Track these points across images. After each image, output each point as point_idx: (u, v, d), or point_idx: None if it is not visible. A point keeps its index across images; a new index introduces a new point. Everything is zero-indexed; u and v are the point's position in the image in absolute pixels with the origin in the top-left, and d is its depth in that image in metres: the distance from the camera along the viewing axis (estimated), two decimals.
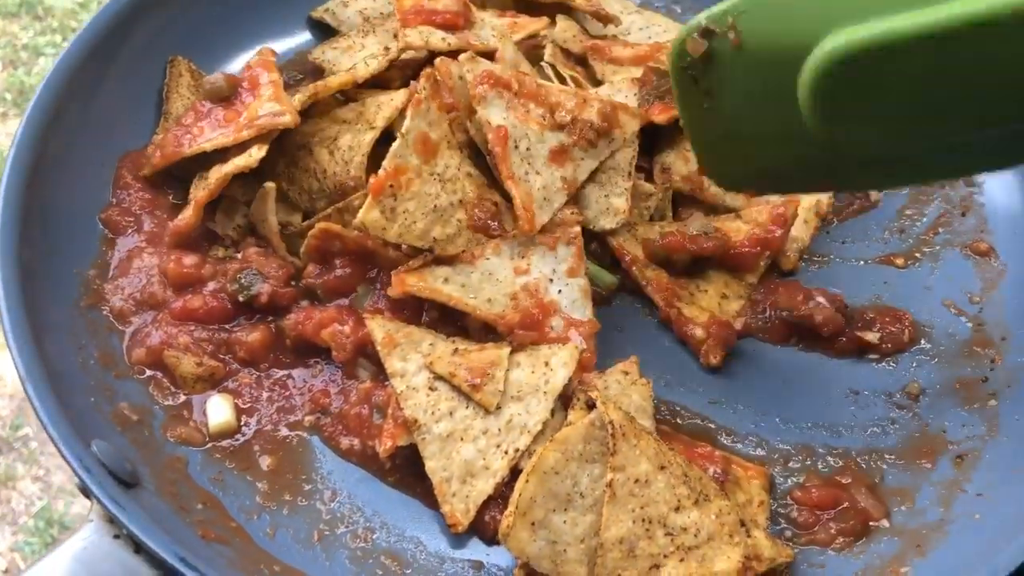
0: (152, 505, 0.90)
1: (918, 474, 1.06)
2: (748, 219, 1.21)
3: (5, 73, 2.99)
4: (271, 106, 1.15)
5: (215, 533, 0.94)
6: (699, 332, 1.14)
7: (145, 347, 1.07)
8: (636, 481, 0.93)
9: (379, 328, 1.06)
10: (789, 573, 0.98)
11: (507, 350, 1.05)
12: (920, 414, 1.11)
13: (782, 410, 1.12)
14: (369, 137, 1.15)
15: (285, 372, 1.10)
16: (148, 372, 1.07)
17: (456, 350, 1.05)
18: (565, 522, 0.94)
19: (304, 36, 1.42)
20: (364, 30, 1.35)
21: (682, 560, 0.92)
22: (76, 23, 3.13)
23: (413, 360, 1.04)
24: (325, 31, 1.41)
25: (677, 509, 0.94)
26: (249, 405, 1.06)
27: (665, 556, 0.92)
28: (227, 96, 1.19)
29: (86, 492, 0.89)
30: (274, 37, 1.38)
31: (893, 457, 1.08)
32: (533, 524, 0.93)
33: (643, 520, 0.93)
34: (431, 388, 1.03)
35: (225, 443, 1.04)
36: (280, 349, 1.11)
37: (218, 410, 1.04)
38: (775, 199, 1.22)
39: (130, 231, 1.16)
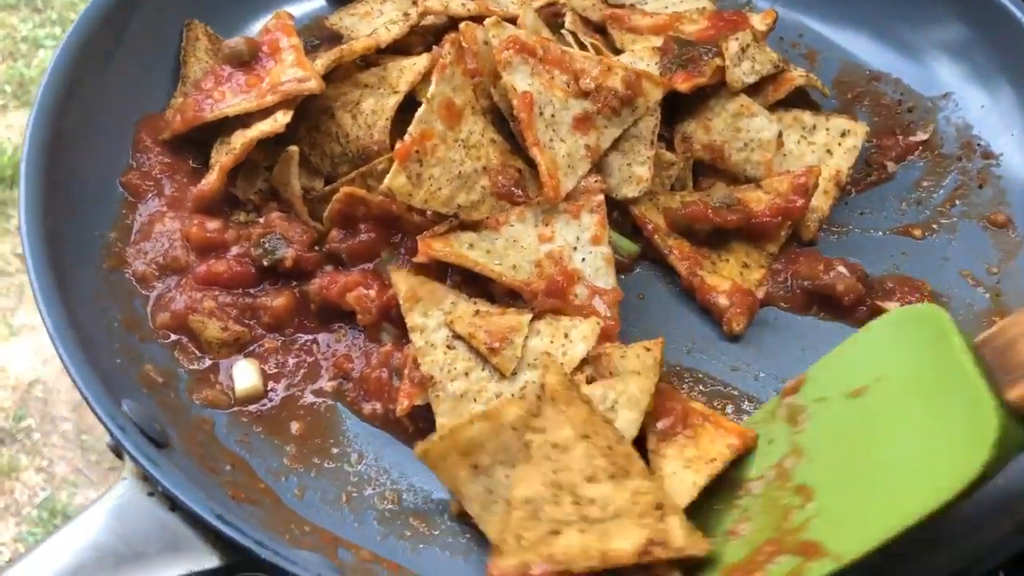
0: (183, 465, 0.90)
1: None
2: (769, 189, 1.22)
3: (4, 65, 2.97)
4: (295, 71, 1.14)
5: (244, 494, 0.94)
6: (723, 300, 1.14)
7: (170, 311, 1.06)
8: (554, 446, 0.92)
9: (403, 281, 1.05)
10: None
11: (528, 317, 1.05)
12: None
13: None
14: (393, 101, 1.14)
15: (310, 337, 1.10)
16: (173, 336, 1.06)
17: (478, 312, 1.05)
18: (507, 476, 0.93)
19: (318, 2, 1.41)
20: None
21: (582, 531, 0.89)
22: (75, 14, 3.10)
23: (434, 317, 1.04)
24: None
25: (590, 480, 0.92)
26: (276, 371, 1.06)
27: (567, 524, 0.90)
28: (247, 61, 1.18)
29: (117, 451, 0.89)
30: (290, 2, 1.38)
31: None
32: (476, 467, 0.92)
33: (553, 485, 0.91)
34: (449, 347, 1.03)
35: (252, 407, 1.03)
36: (304, 314, 1.10)
37: (245, 375, 1.04)
38: (795, 168, 1.23)
39: (150, 195, 1.15)
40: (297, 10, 1.37)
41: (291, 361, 1.07)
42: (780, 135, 1.23)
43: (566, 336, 1.05)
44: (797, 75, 1.28)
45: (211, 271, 1.09)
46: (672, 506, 0.92)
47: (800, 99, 1.31)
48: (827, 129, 1.27)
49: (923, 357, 0.90)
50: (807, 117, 1.27)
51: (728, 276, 1.18)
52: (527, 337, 1.04)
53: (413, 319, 1.04)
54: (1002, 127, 1.32)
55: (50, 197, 1.03)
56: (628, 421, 0.98)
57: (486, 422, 0.93)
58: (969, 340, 0.87)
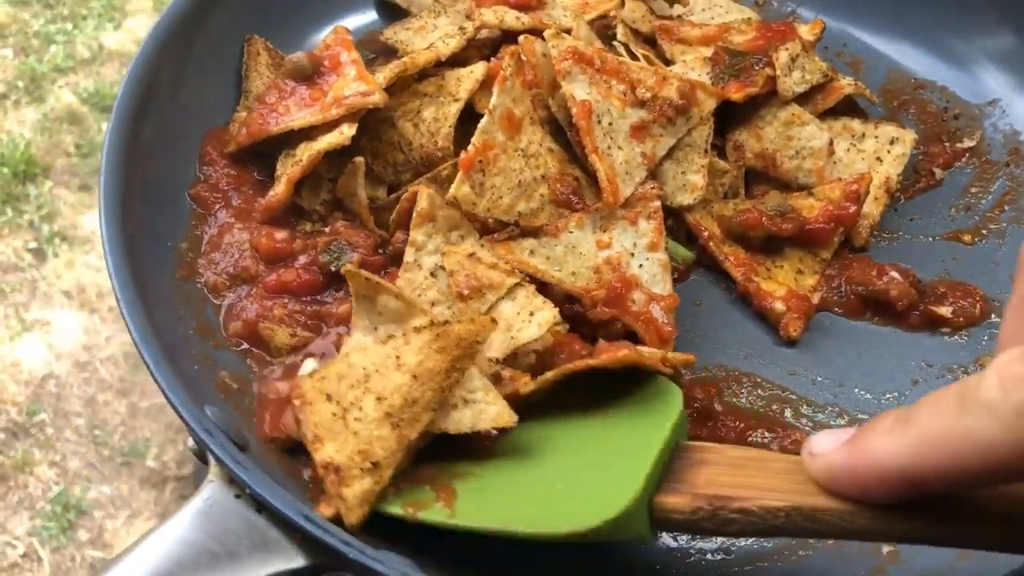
0: (266, 467, 0.92)
1: None
2: (821, 196, 1.23)
3: (16, 61, 3.00)
4: (358, 85, 1.17)
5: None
6: (779, 305, 1.16)
7: (242, 320, 1.09)
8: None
9: (426, 199, 1.06)
10: None
11: (513, 280, 1.05)
12: None
13: (859, 381, 1.14)
14: (455, 108, 1.17)
15: None
16: (244, 344, 1.09)
17: (473, 255, 1.06)
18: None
19: (370, 16, 1.45)
20: (435, 11, 1.37)
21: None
22: (86, 10, 3.14)
23: (434, 241, 1.06)
24: (393, 12, 1.43)
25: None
26: None
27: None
28: (310, 75, 1.21)
29: (201, 456, 0.91)
30: (341, 17, 1.41)
31: None
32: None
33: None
34: (432, 274, 1.05)
35: None
36: None
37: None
38: (846, 176, 1.25)
39: (218, 206, 1.18)
40: (351, 24, 1.41)
41: None
42: (831, 143, 1.25)
43: (530, 315, 1.05)
44: (846, 84, 1.30)
45: (280, 280, 1.11)
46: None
47: (848, 108, 1.33)
48: (876, 137, 1.29)
49: (640, 403, 0.95)
50: (856, 125, 1.30)
51: (783, 282, 1.19)
52: (501, 298, 1.04)
53: (416, 235, 1.05)
54: None
55: (127, 208, 1.06)
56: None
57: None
58: (680, 435, 0.91)
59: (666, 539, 1.02)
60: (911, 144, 1.29)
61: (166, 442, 2.37)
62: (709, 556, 1.01)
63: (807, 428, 1.10)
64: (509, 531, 0.85)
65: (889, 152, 1.28)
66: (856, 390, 1.14)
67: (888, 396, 1.13)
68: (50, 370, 2.45)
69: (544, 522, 0.85)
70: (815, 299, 1.19)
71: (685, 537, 1.02)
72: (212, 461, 0.88)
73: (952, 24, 1.42)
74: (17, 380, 2.43)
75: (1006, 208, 1.30)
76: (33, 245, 2.67)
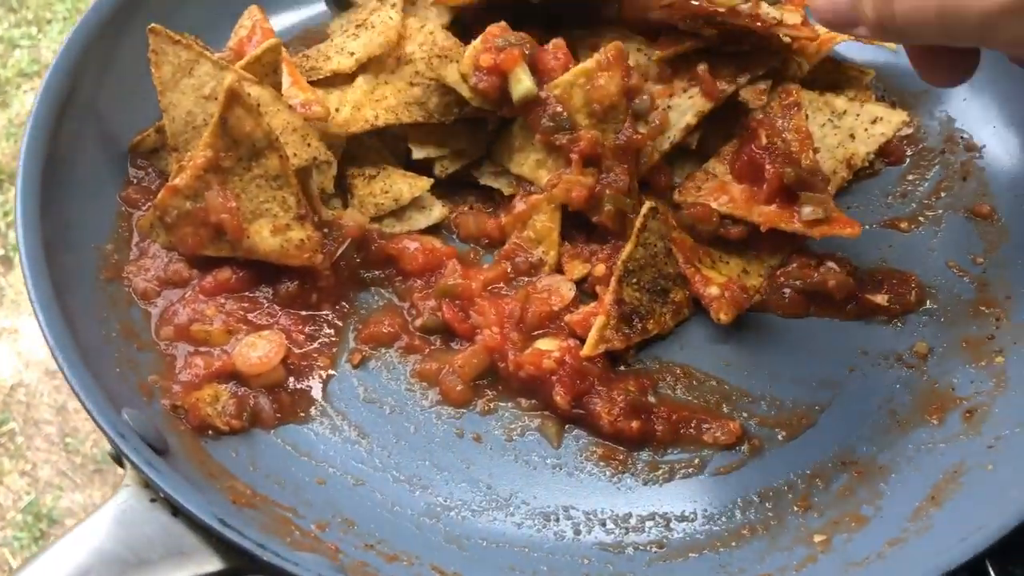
0: (183, 470, 0.91)
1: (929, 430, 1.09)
2: None
3: None
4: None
5: (244, 499, 0.95)
6: (714, 290, 1.15)
7: (173, 325, 1.07)
8: None
9: None
10: None
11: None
12: (929, 372, 1.14)
13: (794, 372, 1.14)
14: None
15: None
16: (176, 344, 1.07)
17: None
18: None
19: (309, 11, 1.42)
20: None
21: None
22: (51, 14, 3.10)
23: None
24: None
25: None
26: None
27: None
28: None
29: (118, 459, 0.90)
30: (274, 13, 1.38)
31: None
32: None
33: None
34: None
35: None
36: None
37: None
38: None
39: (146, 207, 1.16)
40: (285, 20, 1.39)
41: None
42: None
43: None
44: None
45: (217, 280, 1.09)
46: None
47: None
48: (857, 115, 1.27)
49: None
50: (840, 102, 1.28)
51: (725, 274, 1.19)
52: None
53: None
54: (984, 120, 1.34)
55: (46, 209, 1.04)
56: None
57: None
58: None
59: (598, 533, 1.01)
60: (897, 125, 1.28)
61: None
62: (643, 549, 1.01)
63: (742, 418, 1.10)
64: None
65: (867, 131, 1.27)
66: (791, 381, 1.13)
67: (823, 385, 1.13)
68: (19, 379, 2.42)
69: None
70: (752, 294, 1.18)
71: (618, 531, 1.01)
72: (127, 465, 0.87)
73: None
74: None
75: (942, 195, 1.30)
76: (0, 252, 2.64)
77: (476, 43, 1.16)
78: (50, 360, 2.40)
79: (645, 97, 1.17)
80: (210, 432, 1.00)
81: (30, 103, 2.86)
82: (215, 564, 0.83)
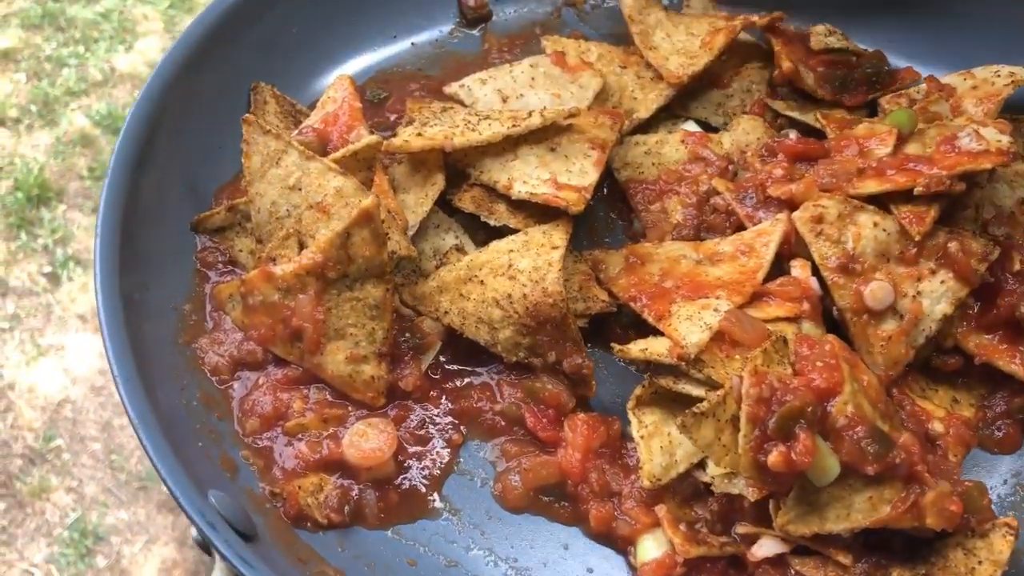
0: (271, 557, 0.87)
1: None
2: None
3: (29, 85, 3.00)
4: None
5: None
6: (938, 426, 1.02)
7: (258, 417, 1.01)
8: None
9: None
10: None
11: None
12: None
13: None
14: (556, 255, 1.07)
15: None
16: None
17: None
18: None
19: (373, 56, 1.37)
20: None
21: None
22: (98, 33, 3.13)
23: None
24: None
25: None
26: None
27: None
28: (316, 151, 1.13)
29: (204, 547, 0.86)
30: (344, 59, 1.34)
31: None
32: None
33: None
34: None
35: None
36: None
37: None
38: None
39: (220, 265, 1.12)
40: (354, 66, 1.34)
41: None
42: None
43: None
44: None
45: (289, 377, 1.03)
46: None
47: None
48: None
49: None
50: None
51: (938, 404, 1.06)
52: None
53: None
54: None
55: (126, 271, 1.00)
56: None
57: None
58: None
59: None
60: None
61: None
62: None
63: None
64: None
65: None
66: None
67: None
68: (66, 395, 2.43)
69: None
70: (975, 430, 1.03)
71: None
72: (216, 556, 0.83)
73: None
74: (33, 406, 2.42)
75: None
76: (48, 269, 2.66)
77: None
78: (96, 376, 2.42)
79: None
80: (308, 525, 0.95)
81: (78, 121, 2.88)
82: None
